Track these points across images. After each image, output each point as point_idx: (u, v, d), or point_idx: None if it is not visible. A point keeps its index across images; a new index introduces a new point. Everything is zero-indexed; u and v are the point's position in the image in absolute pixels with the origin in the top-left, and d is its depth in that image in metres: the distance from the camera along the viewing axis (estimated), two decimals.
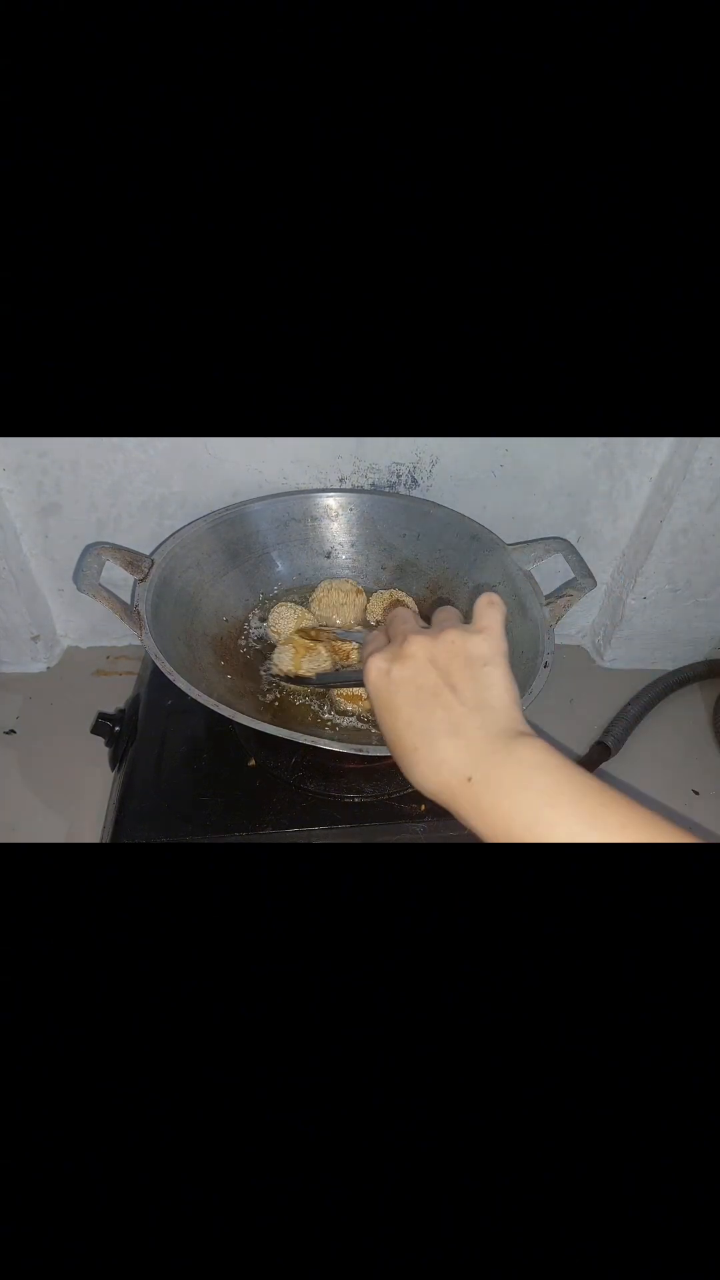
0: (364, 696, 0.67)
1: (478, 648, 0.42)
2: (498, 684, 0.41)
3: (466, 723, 0.39)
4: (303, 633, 0.71)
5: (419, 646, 0.42)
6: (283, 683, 0.69)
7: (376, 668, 0.43)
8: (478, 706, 0.40)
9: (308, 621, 0.73)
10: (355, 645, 0.71)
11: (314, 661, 0.69)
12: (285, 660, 0.68)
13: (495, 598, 0.44)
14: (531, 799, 0.36)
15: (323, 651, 0.70)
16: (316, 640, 0.71)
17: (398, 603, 0.74)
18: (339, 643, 0.72)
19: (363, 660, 0.45)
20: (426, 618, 0.73)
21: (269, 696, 0.68)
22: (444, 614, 0.46)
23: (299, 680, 0.68)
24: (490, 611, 0.43)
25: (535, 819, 0.35)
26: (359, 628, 0.74)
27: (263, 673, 0.70)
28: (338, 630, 0.73)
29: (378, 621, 0.74)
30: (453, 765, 0.38)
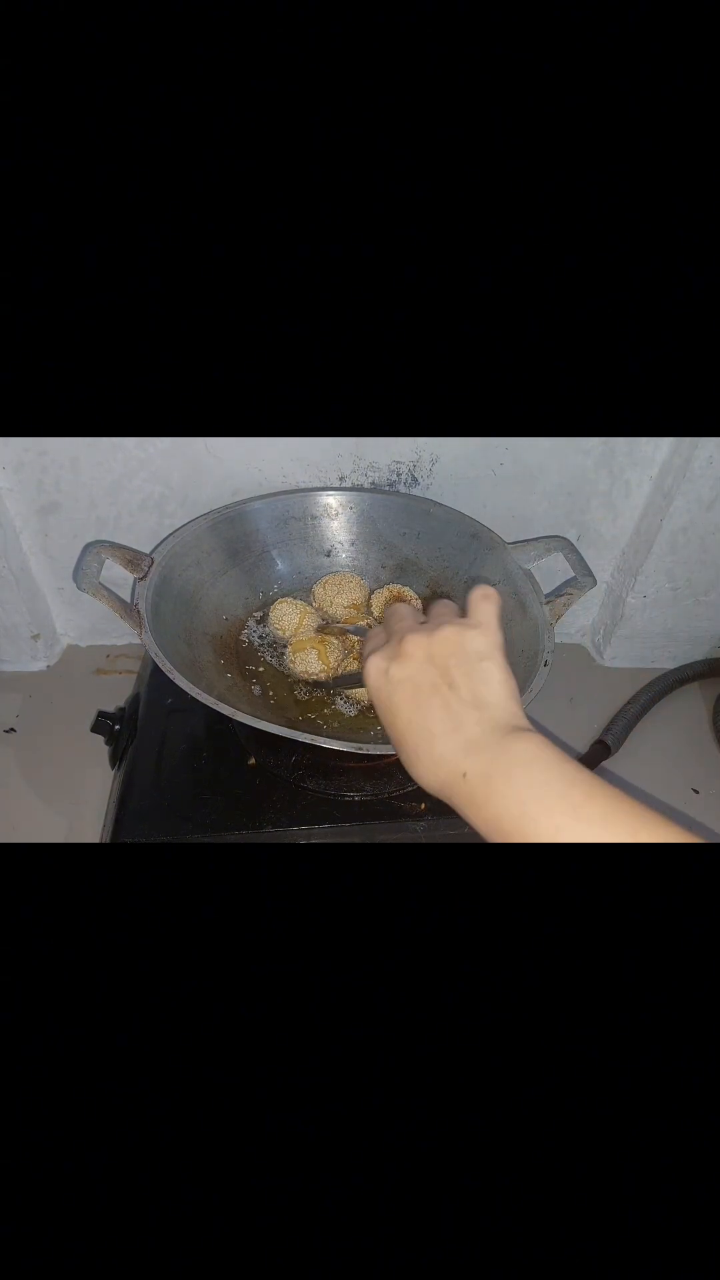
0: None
1: (474, 643, 0.41)
2: (494, 679, 0.41)
3: (465, 719, 0.39)
4: (320, 631, 0.72)
5: (416, 645, 0.42)
6: (309, 685, 0.69)
7: (376, 667, 0.43)
8: (475, 703, 0.40)
9: (310, 618, 0.73)
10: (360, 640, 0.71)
11: (335, 657, 0.69)
12: (313, 663, 0.68)
13: (489, 590, 0.44)
14: (520, 793, 0.36)
15: (337, 644, 0.70)
16: (326, 636, 0.71)
17: (399, 597, 0.74)
18: (349, 637, 0.72)
19: (362, 660, 0.45)
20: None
21: (270, 695, 0.69)
22: (440, 608, 0.46)
23: (319, 684, 0.68)
24: (484, 605, 0.43)
25: (523, 813, 0.35)
26: (365, 622, 0.74)
27: (286, 667, 0.71)
28: (347, 627, 0.73)
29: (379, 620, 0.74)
30: (451, 763, 0.38)
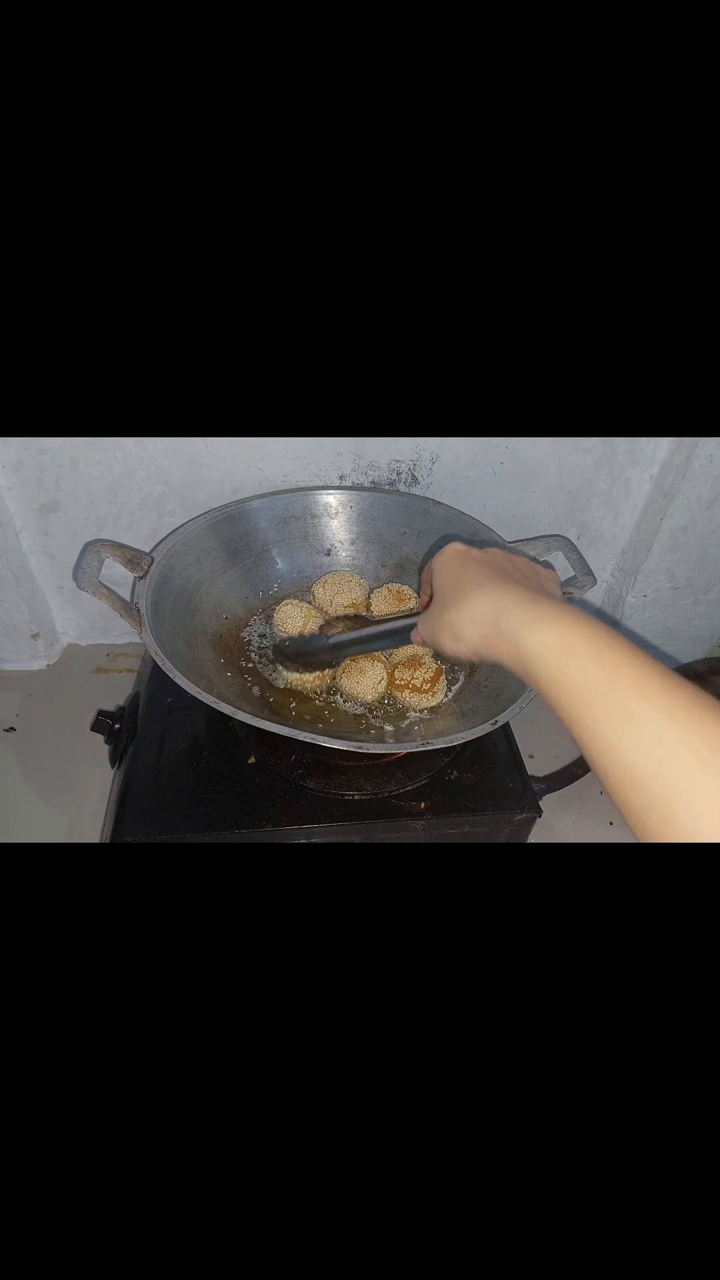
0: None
1: (546, 574, 0.49)
2: (559, 595, 0.46)
3: (534, 593, 0.42)
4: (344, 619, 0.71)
5: (496, 549, 0.48)
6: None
7: (455, 548, 0.49)
8: (542, 589, 0.44)
9: (312, 622, 0.72)
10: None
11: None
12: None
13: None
14: (590, 629, 0.38)
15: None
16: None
17: (399, 596, 0.74)
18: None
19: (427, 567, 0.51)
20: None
21: (269, 694, 0.69)
22: None
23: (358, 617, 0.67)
24: (552, 573, 0.50)
25: (592, 634, 0.37)
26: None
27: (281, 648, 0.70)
28: (384, 618, 0.71)
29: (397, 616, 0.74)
30: (517, 593, 0.42)
